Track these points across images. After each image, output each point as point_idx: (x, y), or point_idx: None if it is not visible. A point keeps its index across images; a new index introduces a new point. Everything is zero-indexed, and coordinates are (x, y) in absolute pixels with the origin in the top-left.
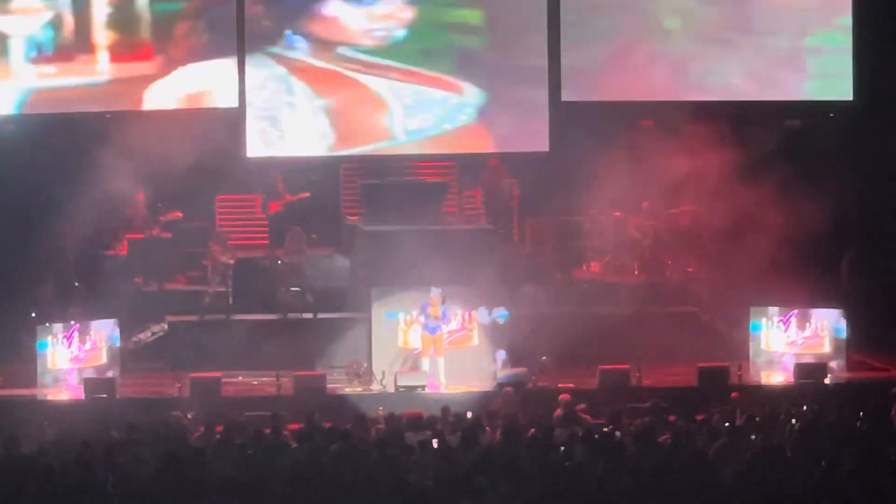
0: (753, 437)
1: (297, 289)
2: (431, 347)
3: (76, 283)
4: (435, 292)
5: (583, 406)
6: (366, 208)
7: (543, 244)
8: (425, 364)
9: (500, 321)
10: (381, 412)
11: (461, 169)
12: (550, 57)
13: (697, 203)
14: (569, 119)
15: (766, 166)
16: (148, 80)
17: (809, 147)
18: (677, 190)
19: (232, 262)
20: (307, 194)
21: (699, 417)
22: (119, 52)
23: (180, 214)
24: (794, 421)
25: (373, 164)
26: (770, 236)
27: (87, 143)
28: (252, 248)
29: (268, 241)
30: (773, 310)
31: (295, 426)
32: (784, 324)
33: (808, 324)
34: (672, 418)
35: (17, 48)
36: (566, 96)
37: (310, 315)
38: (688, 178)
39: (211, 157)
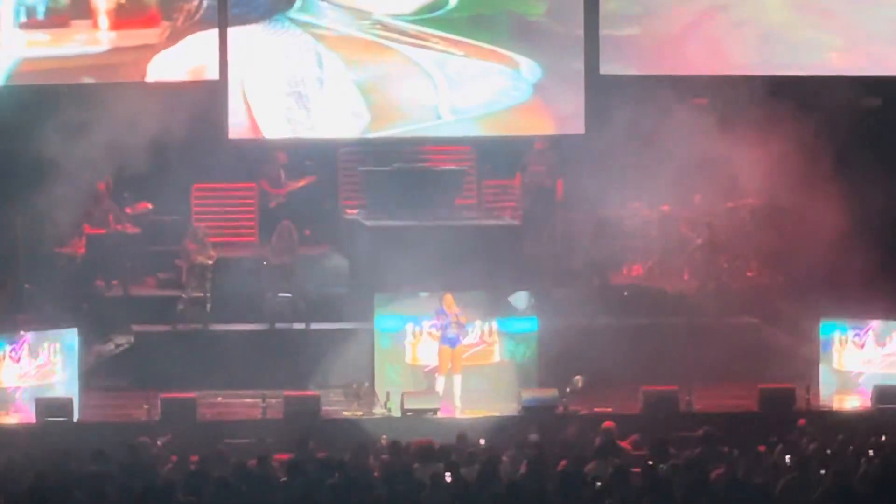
0: (823, 471)
1: (287, 294)
2: (449, 363)
3: (26, 286)
4: (447, 296)
5: (635, 438)
6: (368, 200)
7: (577, 243)
8: (440, 383)
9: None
10: (384, 441)
11: (481, 154)
12: (587, 23)
13: (759, 196)
14: (609, 95)
15: (840, 154)
16: (153, 49)
17: (892, 132)
18: (736, 181)
19: (210, 262)
20: (314, 178)
21: (760, 448)
22: (121, 18)
23: (150, 206)
24: (871, 453)
25: (376, 149)
26: (844, 236)
27: (41, 119)
28: (235, 246)
29: (255, 238)
30: (848, 322)
31: (284, 456)
32: (860, 339)
33: (889, 339)
34: (727, 449)
35: (6, 12)
36: (605, 69)
37: (302, 325)
38: (748, 166)
39: (187, 138)
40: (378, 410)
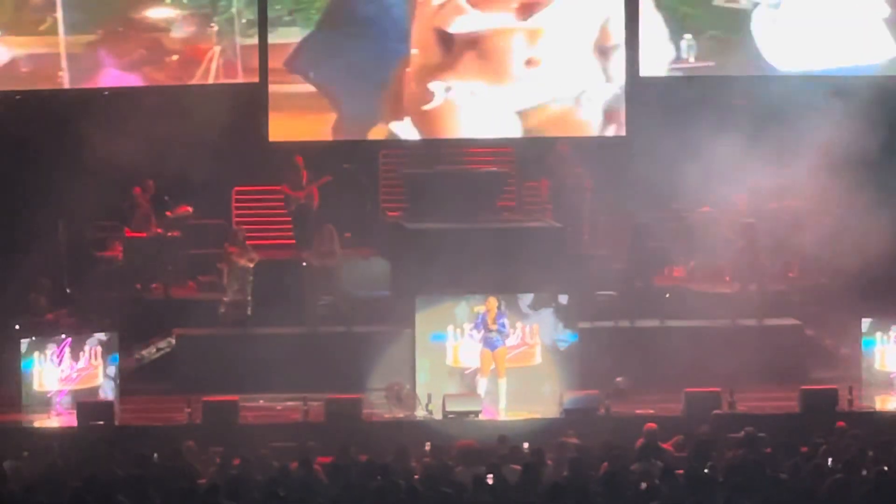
0: (865, 472)
1: (328, 297)
2: (492, 366)
3: (68, 290)
4: (491, 299)
5: (678, 438)
6: (409, 203)
7: (618, 245)
8: (482, 385)
9: (561, 347)
10: (427, 447)
11: (522, 156)
12: (627, 23)
13: (802, 197)
14: (649, 98)
15: (883, 155)
16: None
17: None
18: (778, 182)
19: (251, 265)
20: (329, 177)
21: (803, 450)
22: None
23: (190, 209)
24: None
25: (417, 151)
26: (886, 237)
27: (81, 124)
28: (276, 248)
29: (294, 241)
30: (891, 322)
31: (326, 459)
32: None
33: None
34: (770, 451)
35: None
36: (646, 71)
37: (343, 328)
38: (790, 167)
39: (229, 142)
40: (420, 413)
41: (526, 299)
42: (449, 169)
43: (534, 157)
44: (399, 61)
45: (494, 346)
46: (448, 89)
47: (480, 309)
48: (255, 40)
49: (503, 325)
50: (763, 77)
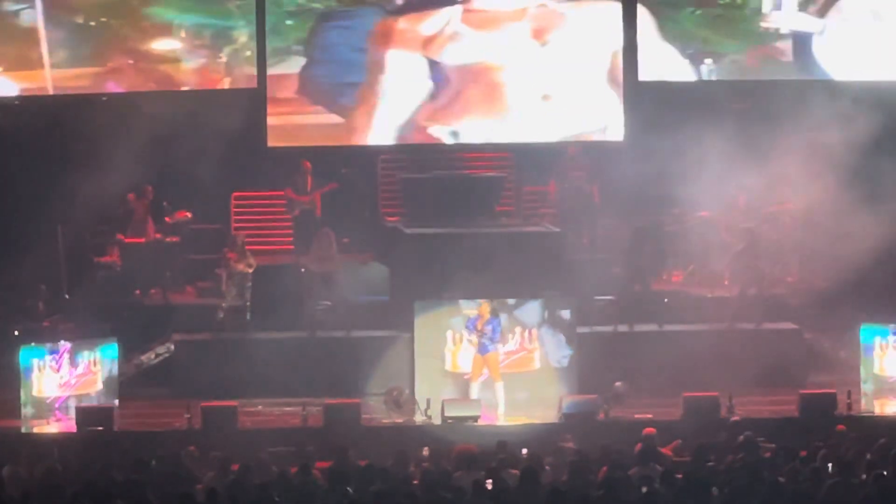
0: (865, 476)
1: (327, 302)
2: (483, 371)
3: (67, 296)
4: (483, 304)
5: (676, 444)
6: (408, 207)
7: (617, 249)
8: (474, 391)
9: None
10: (426, 452)
11: (520, 161)
12: (626, 28)
13: (800, 200)
14: (647, 102)
15: (881, 159)
16: None
17: None
18: (776, 185)
19: (250, 270)
20: (335, 185)
21: (801, 453)
22: None
23: (189, 215)
24: None
25: (415, 156)
26: (884, 241)
27: (80, 129)
28: (274, 254)
29: (293, 247)
30: (890, 327)
31: (325, 464)
32: None
33: None
34: (769, 455)
35: None
36: (644, 75)
37: (342, 333)
38: (788, 171)
39: (227, 147)
40: (419, 418)
41: (523, 312)
42: (447, 174)
43: (532, 162)
44: (357, 91)
45: (484, 350)
46: (455, 134)
47: (472, 313)
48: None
49: (494, 331)
50: (761, 82)
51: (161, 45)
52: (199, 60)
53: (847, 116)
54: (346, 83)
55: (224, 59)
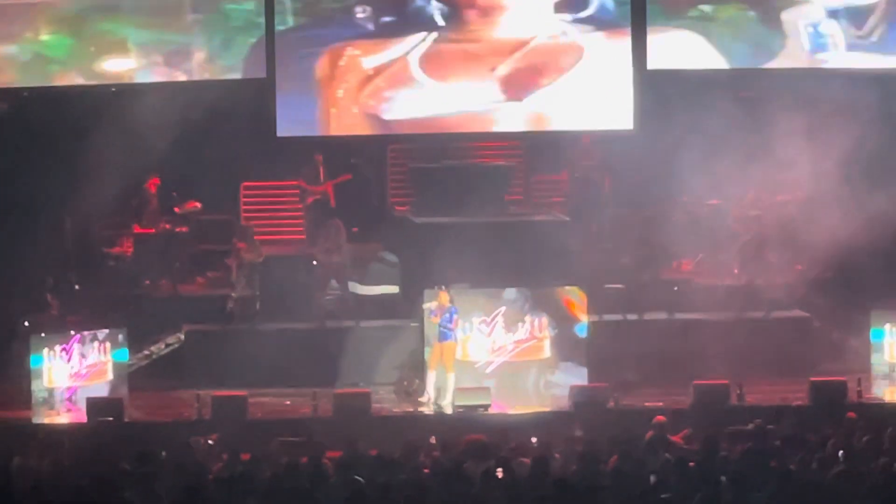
0: (874, 464)
1: (336, 292)
2: (439, 359)
3: (76, 287)
4: (442, 293)
5: (686, 432)
6: (417, 197)
7: (626, 238)
8: (431, 379)
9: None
10: (433, 440)
11: (530, 149)
12: (634, 17)
13: (809, 189)
14: (657, 91)
15: (890, 146)
16: None
17: None
18: (785, 174)
19: (260, 260)
20: (349, 176)
21: (811, 441)
22: None
23: (199, 205)
24: None
25: (424, 145)
26: (894, 228)
27: (88, 120)
28: (284, 244)
29: (304, 237)
30: None
31: (335, 454)
32: None
33: None
34: (779, 443)
35: None
36: (653, 64)
37: (351, 323)
38: (797, 160)
39: (236, 137)
40: (429, 407)
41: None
42: (456, 163)
43: (541, 151)
44: None
45: (444, 338)
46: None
47: (432, 305)
48: None
49: (448, 320)
50: (770, 70)
51: (114, 63)
52: (154, 78)
53: (858, 105)
54: None
55: (182, 78)
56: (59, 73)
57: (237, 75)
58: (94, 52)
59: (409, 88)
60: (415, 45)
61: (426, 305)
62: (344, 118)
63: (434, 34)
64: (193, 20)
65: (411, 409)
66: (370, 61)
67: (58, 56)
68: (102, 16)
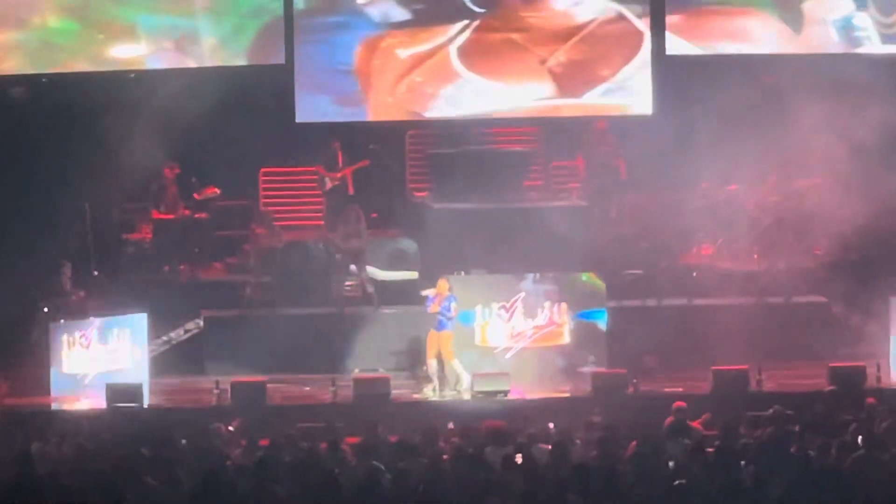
0: (894, 449)
1: (355, 278)
2: (436, 348)
3: (95, 273)
4: (441, 281)
5: (706, 417)
6: (436, 183)
7: (645, 224)
8: (432, 367)
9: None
10: (450, 427)
11: (548, 135)
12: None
13: (829, 176)
14: (675, 76)
15: None
16: None
17: None
18: (804, 159)
19: (279, 246)
20: (366, 162)
21: (831, 427)
22: None
23: (218, 191)
24: None
25: (443, 131)
26: None
27: (108, 107)
28: (303, 229)
29: (322, 222)
30: None
31: (354, 440)
32: None
33: None
34: (798, 428)
35: None
36: (672, 49)
37: (371, 308)
38: (816, 145)
39: (255, 123)
40: (448, 393)
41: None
42: (475, 149)
43: (560, 137)
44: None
45: (441, 327)
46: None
47: (430, 292)
48: None
49: (447, 309)
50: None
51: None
52: (164, 65)
53: (879, 89)
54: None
55: (193, 64)
56: (67, 59)
57: (248, 61)
58: (102, 39)
59: (450, 83)
60: (453, 34)
61: (424, 293)
62: (378, 108)
63: (476, 22)
64: (203, 5)
65: (431, 395)
66: (404, 51)
67: (66, 43)
68: (111, 1)
